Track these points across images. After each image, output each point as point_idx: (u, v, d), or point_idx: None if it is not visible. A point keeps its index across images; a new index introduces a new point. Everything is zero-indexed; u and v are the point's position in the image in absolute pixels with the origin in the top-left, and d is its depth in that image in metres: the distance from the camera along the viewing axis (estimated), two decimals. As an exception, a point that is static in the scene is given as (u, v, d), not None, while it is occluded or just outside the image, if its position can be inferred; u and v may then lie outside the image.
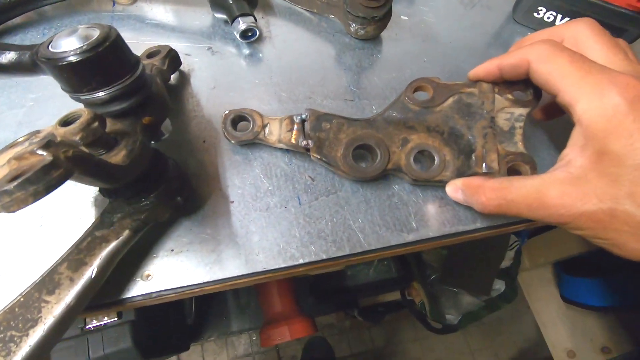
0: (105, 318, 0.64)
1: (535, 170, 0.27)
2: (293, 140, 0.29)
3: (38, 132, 0.24)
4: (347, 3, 0.35)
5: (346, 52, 0.38)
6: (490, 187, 0.24)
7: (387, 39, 0.39)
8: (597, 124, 0.21)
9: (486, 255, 0.82)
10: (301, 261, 0.27)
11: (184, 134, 0.32)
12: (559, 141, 0.33)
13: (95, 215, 0.28)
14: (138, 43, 0.37)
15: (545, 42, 0.24)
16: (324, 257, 0.28)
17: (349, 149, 0.29)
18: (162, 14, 0.40)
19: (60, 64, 0.20)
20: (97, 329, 0.63)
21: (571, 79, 0.22)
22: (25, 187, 0.15)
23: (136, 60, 0.23)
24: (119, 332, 0.63)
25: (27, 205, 0.15)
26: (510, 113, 0.28)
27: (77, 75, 0.20)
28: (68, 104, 0.33)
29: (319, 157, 0.28)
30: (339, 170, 0.29)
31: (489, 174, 0.26)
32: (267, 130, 0.30)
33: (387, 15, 0.36)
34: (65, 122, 0.20)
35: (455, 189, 0.27)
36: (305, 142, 0.29)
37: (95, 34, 0.21)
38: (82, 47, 0.20)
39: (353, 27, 0.37)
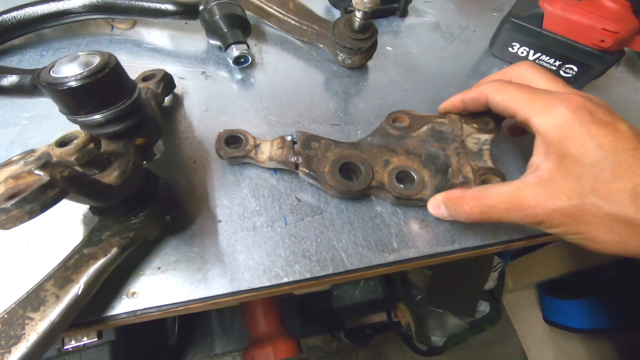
0: (85, 338, 0.62)
1: (504, 180, 0.29)
2: (283, 157, 0.30)
3: (33, 151, 0.25)
4: (335, 34, 0.37)
5: (334, 80, 0.40)
6: (470, 196, 0.26)
7: (373, 68, 0.42)
8: (551, 132, 0.24)
9: (470, 277, 0.83)
10: (285, 280, 0.28)
11: (175, 154, 0.33)
12: (525, 155, 0.35)
13: (84, 232, 0.28)
14: (134, 66, 0.38)
15: (495, 79, 0.30)
16: (308, 276, 0.29)
17: (336, 166, 0.30)
18: (158, 38, 0.41)
19: (60, 88, 0.21)
20: (75, 349, 0.61)
21: (523, 101, 0.26)
22: (22, 205, 0.16)
23: (133, 85, 0.24)
24: (97, 354, 0.61)
25: (22, 222, 0.16)
26: (477, 138, 0.32)
27: (76, 99, 0.22)
28: (62, 124, 0.34)
29: (307, 171, 0.30)
30: (326, 184, 0.30)
31: (466, 183, 0.29)
32: (258, 149, 0.32)
33: (373, 46, 0.38)
34: (62, 142, 0.21)
35: (437, 204, 0.29)
36: (295, 158, 0.30)
37: (96, 60, 0.22)
38: (82, 73, 0.21)
39: (341, 56, 0.39)
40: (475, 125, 0.32)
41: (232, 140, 0.32)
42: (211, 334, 0.98)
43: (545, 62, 0.41)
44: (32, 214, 0.16)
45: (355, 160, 0.31)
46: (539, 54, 0.41)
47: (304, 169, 0.30)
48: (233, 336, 0.97)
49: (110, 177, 0.22)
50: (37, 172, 0.17)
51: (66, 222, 0.29)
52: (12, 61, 0.37)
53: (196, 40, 0.42)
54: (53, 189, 0.17)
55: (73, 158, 0.20)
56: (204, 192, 0.31)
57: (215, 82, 0.38)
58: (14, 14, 0.35)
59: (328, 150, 0.31)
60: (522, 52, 0.42)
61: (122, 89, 0.23)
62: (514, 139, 0.36)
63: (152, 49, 0.40)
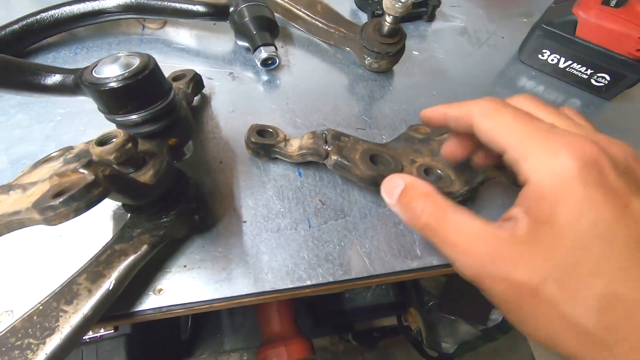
0: (102, 330, 0.64)
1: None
2: (314, 145, 0.30)
3: (71, 148, 0.25)
4: (363, 38, 0.37)
5: (359, 83, 0.40)
6: (435, 202, 0.21)
7: (398, 72, 0.42)
8: (545, 187, 0.18)
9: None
10: (308, 283, 0.28)
11: (202, 154, 0.33)
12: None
13: (113, 228, 0.29)
14: (165, 66, 0.38)
15: (489, 99, 0.22)
16: (331, 279, 0.29)
17: (366, 154, 0.30)
18: (187, 39, 0.42)
19: (102, 88, 0.21)
20: (93, 340, 0.63)
21: (518, 135, 0.19)
22: (69, 203, 0.16)
23: (169, 86, 0.25)
24: (113, 345, 0.63)
25: (68, 220, 0.17)
26: None
27: (116, 99, 0.22)
28: (93, 121, 0.35)
29: (338, 158, 0.30)
30: (357, 169, 0.29)
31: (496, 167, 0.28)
32: (287, 143, 0.32)
33: (401, 51, 0.38)
34: (101, 141, 0.22)
35: (394, 185, 0.23)
36: (326, 146, 0.30)
37: (136, 62, 0.23)
38: (123, 74, 0.22)
39: (367, 60, 0.39)
40: None
41: (263, 134, 0.32)
42: (221, 330, 0.99)
43: (576, 70, 0.40)
44: (78, 212, 0.17)
45: (384, 154, 0.31)
46: (570, 62, 0.40)
47: (334, 156, 0.30)
48: (242, 334, 0.98)
49: (145, 176, 0.23)
50: (81, 170, 0.18)
51: (97, 218, 0.29)
52: (48, 58, 0.39)
53: (224, 41, 0.42)
54: (98, 188, 0.17)
55: (112, 157, 0.21)
56: (230, 192, 0.32)
57: (242, 83, 0.39)
58: (52, 12, 0.36)
59: (357, 144, 0.32)
60: (552, 60, 0.41)
61: (159, 90, 0.24)
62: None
63: (181, 49, 0.41)
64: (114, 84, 0.21)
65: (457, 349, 0.90)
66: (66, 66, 0.38)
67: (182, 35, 0.42)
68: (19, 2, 0.45)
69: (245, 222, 0.30)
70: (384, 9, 0.33)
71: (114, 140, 0.22)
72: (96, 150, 0.21)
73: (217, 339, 1.01)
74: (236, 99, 0.37)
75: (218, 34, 0.43)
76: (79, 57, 0.39)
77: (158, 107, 0.24)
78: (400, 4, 0.32)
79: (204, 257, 0.29)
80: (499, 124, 0.20)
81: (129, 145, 0.21)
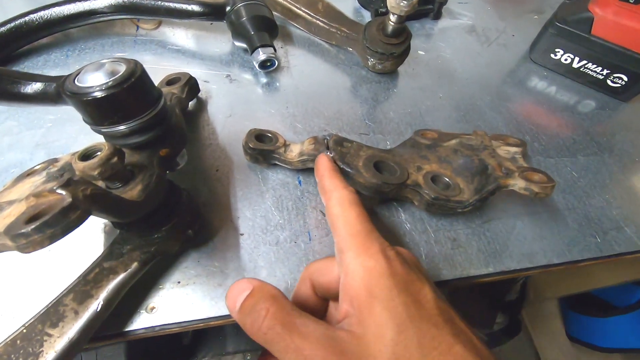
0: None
1: (546, 177, 0.27)
2: (315, 151, 0.29)
3: (56, 160, 0.24)
4: (367, 38, 0.35)
5: (362, 85, 0.38)
6: (281, 304, 0.20)
7: (403, 73, 0.40)
8: (362, 280, 0.20)
9: (490, 288, 0.80)
10: (309, 300, 0.27)
11: (198, 162, 0.32)
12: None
13: (105, 241, 0.28)
14: (159, 68, 0.37)
15: (349, 191, 0.25)
16: (333, 296, 0.27)
17: (370, 161, 0.29)
18: (183, 39, 0.40)
19: (85, 98, 0.20)
20: (92, 346, 0.62)
21: (350, 230, 0.23)
22: (42, 230, 0.15)
23: (158, 94, 0.23)
24: (113, 352, 0.62)
25: (43, 247, 0.15)
26: (507, 150, 0.31)
27: (100, 110, 0.21)
28: (85, 127, 0.33)
29: (340, 165, 0.28)
30: (361, 177, 0.28)
31: (509, 175, 0.27)
32: (287, 149, 0.31)
33: (406, 51, 0.36)
34: (85, 155, 0.20)
35: (240, 290, 0.21)
36: (328, 152, 0.29)
37: (121, 69, 0.21)
38: (107, 82, 0.20)
39: (371, 61, 0.37)
40: (502, 141, 0.32)
41: (261, 139, 0.31)
42: (224, 332, 0.98)
43: (591, 71, 0.38)
44: (53, 239, 0.15)
45: (389, 161, 0.29)
46: (584, 62, 0.38)
47: (337, 163, 0.29)
48: (245, 335, 0.97)
49: (133, 191, 0.21)
50: (59, 191, 0.16)
51: (88, 231, 0.28)
52: (39, 61, 0.37)
53: (221, 42, 0.40)
54: (75, 211, 0.16)
55: (96, 172, 0.19)
56: (227, 203, 0.30)
57: (239, 86, 0.37)
58: (41, 14, 0.35)
59: (360, 150, 0.30)
60: (565, 59, 0.39)
61: (147, 98, 0.22)
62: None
63: (177, 50, 0.39)
64: (97, 94, 0.20)
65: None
66: (57, 69, 0.37)
67: (177, 35, 0.41)
68: (13, 2, 0.43)
69: (242, 234, 0.29)
70: (389, 7, 0.31)
71: (98, 153, 0.20)
72: (79, 166, 0.19)
73: (219, 341, 1.00)
74: (234, 102, 0.36)
75: (215, 34, 0.41)
76: (71, 60, 0.37)
77: (147, 117, 0.22)
78: (405, 2, 0.30)
79: (199, 272, 0.27)
80: (343, 215, 0.24)
81: (115, 159, 0.20)
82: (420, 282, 0.20)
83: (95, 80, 0.20)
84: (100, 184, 0.22)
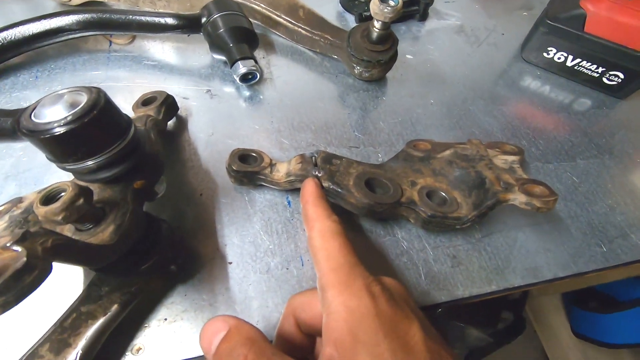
0: None
1: (548, 190, 0.26)
2: (303, 171, 0.27)
3: (20, 200, 0.22)
4: (351, 46, 0.34)
5: (350, 94, 0.37)
6: (260, 348, 0.18)
7: (392, 79, 0.38)
8: (346, 321, 0.18)
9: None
10: (304, 330, 0.25)
11: (180, 186, 0.30)
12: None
13: (84, 281, 0.26)
14: (134, 86, 0.35)
15: (335, 222, 0.24)
16: (329, 325, 0.26)
17: (361, 179, 0.27)
18: (160, 53, 0.38)
19: (42, 136, 0.18)
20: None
21: (333, 265, 0.21)
22: (-9, 299, 0.13)
23: (127, 123, 0.21)
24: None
25: (-7, 317, 0.13)
26: (504, 159, 0.30)
27: (62, 147, 0.19)
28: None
29: (329, 185, 0.27)
30: (352, 198, 0.27)
31: (508, 190, 0.26)
32: (274, 168, 0.29)
33: (393, 58, 0.35)
34: (47, 197, 0.18)
35: (215, 331, 0.20)
36: (316, 172, 0.27)
37: (83, 99, 0.19)
38: (67, 117, 0.18)
39: (357, 69, 0.35)
40: (498, 149, 0.31)
41: (246, 159, 0.29)
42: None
43: (586, 69, 0.37)
44: (5, 307, 0.13)
45: (381, 177, 0.28)
46: (578, 60, 0.37)
47: (326, 183, 0.27)
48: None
49: (104, 233, 0.19)
50: (14, 247, 0.15)
51: (63, 269, 0.26)
52: (6, 84, 0.35)
53: (199, 55, 0.39)
54: (31, 273, 0.14)
55: (60, 217, 0.18)
56: (213, 230, 0.28)
57: (221, 102, 0.35)
58: (4, 34, 0.33)
59: (350, 167, 0.28)
60: (559, 58, 0.38)
61: (114, 130, 0.20)
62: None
63: (153, 66, 0.37)
64: (57, 130, 0.18)
65: (467, 355, 0.87)
66: (26, 91, 0.35)
67: (153, 49, 0.39)
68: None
69: (231, 263, 0.27)
70: (372, 14, 0.30)
71: (62, 195, 0.18)
72: (40, 211, 0.18)
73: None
74: (215, 119, 0.34)
75: (193, 45, 0.39)
76: (40, 81, 0.35)
77: (115, 150, 0.20)
78: (389, 8, 0.29)
79: (187, 307, 0.26)
80: (324, 247, 0.22)
81: (80, 201, 0.18)
82: (408, 321, 0.19)
83: (53, 115, 0.18)
84: (69, 227, 0.20)
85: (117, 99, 0.33)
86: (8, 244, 0.15)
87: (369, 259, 0.28)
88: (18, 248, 0.15)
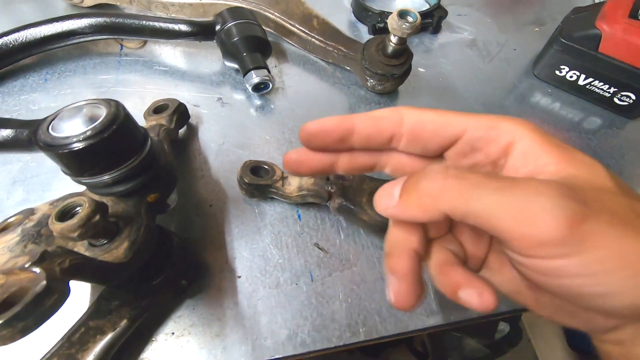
0: None
1: None
2: (315, 185, 0.27)
3: (32, 212, 0.22)
4: (366, 59, 0.34)
5: (361, 106, 0.37)
6: (457, 173, 0.14)
7: (404, 92, 0.38)
8: None
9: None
10: (312, 348, 0.25)
11: (190, 196, 0.30)
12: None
13: (91, 294, 0.25)
14: (145, 91, 0.35)
15: (444, 170, 0.15)
16: (337, 343, 0.25)
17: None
18: (171, 58, 0.38)
19: (61, 151, 0.18)
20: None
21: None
22: (12, 324, 0.13)
23: (144, 137, 0.21)
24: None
25: (13, 342, 0.13)
26: None
27: (79, 162, 0.18)
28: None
29: (342, 201, 0.27)
30: (364, 215, 0.27)
31: None
32: (285, 181, 0.29)
33: (407, 72, 0.35)
34: (63, 212, 0.18)
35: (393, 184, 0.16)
36: (328, 187, 0.27)
37: (102, 113, 0.19)
38: (86, 132, 0.18)
39: (370, 82, 0.35)
40: None
41: (257, 171, 0.29)
42: None
43: (598, 88, 0.37)
44: (24, 332, 0.13)
45: None
46: (591, 79, 0.37)
47: (338, 199, 0.27)
48: None
49: (119, 250, 0.19)
50: (33, 269, 0.14)
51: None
52: (15, 86, 0.35)
53: (211, 61, 0.38)
54: (51, 296, 0.14)
55: (76, 234, 0.17)
56: (222, 242, 0.28)
57: (232, 110, 0.35)
58: (16, 35, 0.32)
59: (363, 183, 0.28)
60: (571, 76, 0.38)
61: (132, 144, 0.20)
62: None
63: (164, 72, 0.37)
64: (75, 145, 0.18)
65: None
66: (35, 94, 0.34)
67: (164, 54, 0.38)
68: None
69: (239, 277, 0.27)
70: (389, 29, 0.30)
71: (78, 210, 0.18)
72: (56, 227, 0.17)
73: None
74: (226, 128, 0.34)
75: (205, 51, 0.39)
76: (49, 84, 0.35)
77: (133, 164, 0.20)
78: (407, 24, 0.28)
79: (195, 321, 0.25)
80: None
81: (96, 218, 0.18)
82: None
83: (72, 129, 0.18)
84: (82, 242, 0.20)
85: (127, 104, 0.33)
86: (27, 265, 0.15)
87: (379, 275, 0.28)
88: (37, 269, 0.14)
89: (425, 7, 0.45)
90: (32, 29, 0.33)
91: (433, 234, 0.18)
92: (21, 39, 0.32)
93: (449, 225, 0.19)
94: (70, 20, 0.33)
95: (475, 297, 0.14)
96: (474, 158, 0.17)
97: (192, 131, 0.33)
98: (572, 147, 0.15)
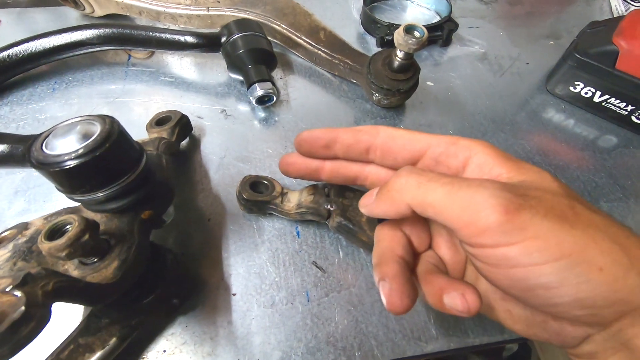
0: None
1: None
2: (314, 203, 0.27)
3: (26, 227, 0.22)
4: (372, 73, 0.33)
5: (367, 120, 0.36)
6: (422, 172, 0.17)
7: (411, 107, 0.37)
8: None
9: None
10: (306, 372, 0.24)
11: (189, 210, 0.30)
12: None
13: (84, 309, 0.25)
14: (150, 102, 0.35)
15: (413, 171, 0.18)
16: (332, 367, 0.25)
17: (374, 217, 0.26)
18: (177, 69, 0.38)
19: (53, 169, 0.18)
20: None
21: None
22: (-15, 353, 0.13)
23: (139, 153, 0.21)
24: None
25: (-14, 370, 0.13)
26: None
27: (72, 180, 0.18)
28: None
29: (341, 220, 0.26)
30: (364, 236, 0.26)
31: None
32: (285, 198, 0.28)
33: (413, 87, 0.34)
34: (52, 231, 0.18)
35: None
36: (328, 205, 0.27)
37: (96, 130, 0.19)
38: (78, 150, 0.18)
39: (376, 96, 0.34)
40: None
41: (257, 187, 0.29)
42: None
43: (614, 106, 0.35)
44: (-1, 360, 0.13)
45: None
46: (607, 96, 0.35)
47: (338, 218, 0.26)
48: None
49: (108, 270, 0.19)
50: (14, 292, 0.14)
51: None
52: (23, 95, 0.35)
53: (217, 72, 0.38)
54: (28, 324, 0.13)
55: (64, 254, 0.17)
56: (218, 258, 0.28)
57: (235, 122, 0.35)
58: (25, 46, 0.33)
59: None
60: (586, 93, 0.36)
61: (126, 161, 0.20)
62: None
63: (170, 82, 0.37)
64: (68, 164, 0.17)
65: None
66: (43, 103, 0.35)
67: (171, 65, 0.38)
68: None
69: (234, 294, 0.26)
70: (395, 44, 0.29)
71: (68, 228, 0.18)
72: (44, 246, 0.17)
73: None
74: (228, 141, 0.34)
75: (211, 62, 0.39)
76: (57, 94, 0.35)
77: (126, 182, 0.20)
78: (414, 40, 0.28)
79: (187, 339, 0.25)
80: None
81: (85, 237, 0.17)
82: None
83: (65, 146, 0.18)
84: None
85: (132, 115, 0.33)
86: (8, 288, 0.14)
87: (377, 297, 0.27)
88: (18, 293, 0.14)
89: (436, 19, 0.44)
90: (41, 39, 0.33)
91: (417, 247, 0.21)
92: (31, 49, 0.33)
93: (429, 240, 0.21)
94: (79, 31, 0.33)
95: (458, 299, 0.16)
96: (438, 170, 0.19)
97: (195, 143, 0.33)
98: (522, 160, 0.17)
